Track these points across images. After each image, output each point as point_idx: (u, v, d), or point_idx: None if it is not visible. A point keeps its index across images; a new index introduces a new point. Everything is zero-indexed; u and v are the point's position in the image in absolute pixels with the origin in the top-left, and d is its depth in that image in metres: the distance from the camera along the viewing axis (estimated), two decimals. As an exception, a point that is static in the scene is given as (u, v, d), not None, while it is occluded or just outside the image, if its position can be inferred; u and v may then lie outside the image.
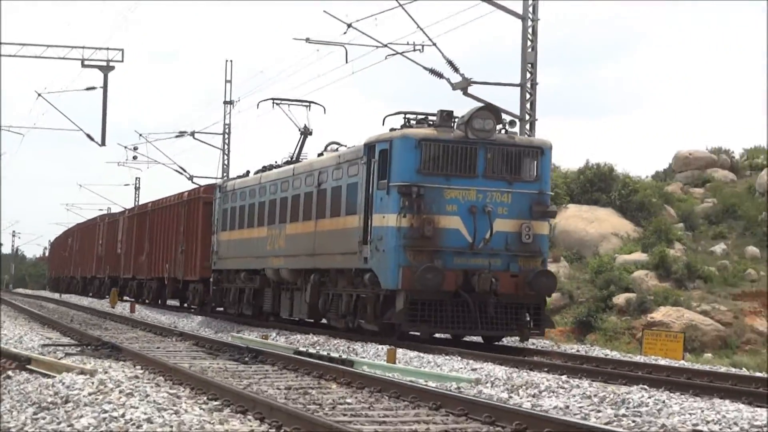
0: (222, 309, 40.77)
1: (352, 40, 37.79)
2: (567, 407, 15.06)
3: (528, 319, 26.06)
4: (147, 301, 53.24)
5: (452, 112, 26.28)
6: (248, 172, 38.89)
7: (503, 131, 26.37)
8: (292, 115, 37.63)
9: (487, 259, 25.48)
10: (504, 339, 28.20)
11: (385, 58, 36.51)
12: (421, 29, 32.79)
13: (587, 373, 19.22)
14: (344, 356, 22.39)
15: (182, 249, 45.38)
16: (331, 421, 12.42)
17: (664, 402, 15.16)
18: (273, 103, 37.99)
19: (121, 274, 59.91)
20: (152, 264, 51.92)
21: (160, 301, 51.69)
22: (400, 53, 35.14)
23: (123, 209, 72.11)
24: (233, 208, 38.79)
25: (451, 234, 25.35)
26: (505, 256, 25.77)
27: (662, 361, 24.05)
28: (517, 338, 27.23)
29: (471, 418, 13.68)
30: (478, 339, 28.04)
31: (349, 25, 35.13)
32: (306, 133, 37.23)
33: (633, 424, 13.46)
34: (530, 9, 34.19)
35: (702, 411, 14.25)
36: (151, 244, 52.33)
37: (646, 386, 17.15)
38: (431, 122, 26.54)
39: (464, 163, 25.64)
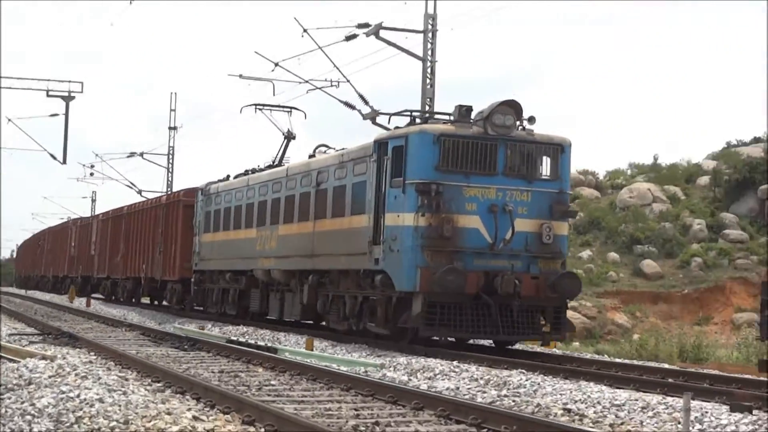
0: (202, 308, 36.24)
1: (279, 77, 37.66)
2: (458, 388, 15.06)
3: (543, 322, 21.96)
4: (121, 299, 50.45)
5: (471, 107, 22.17)
6: (228, 176, 34.76)
7: (521, 128, 21.94)
8: (275, 120, 33.92)
9: (507, 260, 21.21)
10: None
11: (307, 92, 36.26)
12: (337, 68, 32.59)
13: (474, 359, 19.20)
14: (269, 344, 22.25)
15: (160, 250, 42.02)
16: (257, 401, 12.30)
17: (539, 384, 15.22)
18: (255, 108, 34.11)
19: (94, 274, 57.60)
20: (128, 264, 48.77)
21: (134, 299, 48.70)
22: (319, 88, 34.96)
23: (79, 216, 71.09)
24: (217, 211, 34.15)
25: (470, 234, 21.10)
26: (525, 258, 21.49)
27: (538, 349, 24.09)
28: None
29: (377, 398, 13.61)
30: (481, 342, 24.27)
31: (276, 64, 34.93)
32: (290, 137, 33.20)
33: (513, 404, 13.46)
34: (429, 52, 34.42)
35: (571, 392, 14.33)
36: (127, 246, 49.26)
37: (524, 370, 17.22)
38: (444, 121, 22.51)
39: (484, 160, 21.39)
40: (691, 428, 11.21)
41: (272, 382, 15.54)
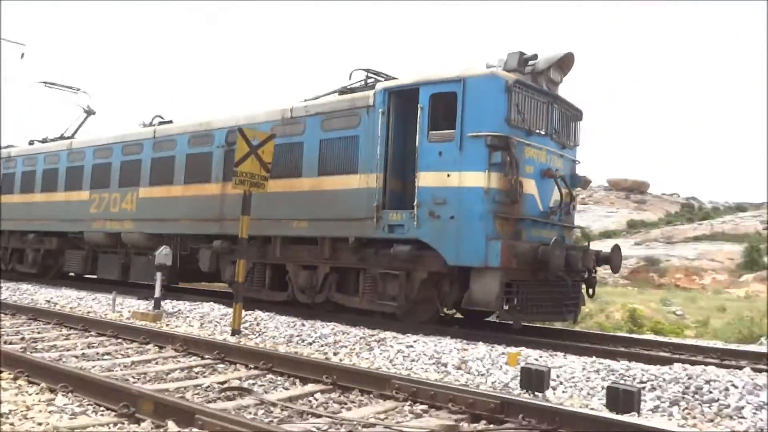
0: None
1: None
2: None
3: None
4: None
5: (536, 55, 17.48)
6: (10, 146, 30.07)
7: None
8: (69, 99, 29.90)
9: (553, 230, 17.18)
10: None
11: None
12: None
13: None
14: None
15: None
16: None
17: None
18: (45, 85, 29.95)
19: None
20: None
21: None
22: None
23: None
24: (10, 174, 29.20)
25: (529, 200, 16.71)
26: (559, 229, 17.50)
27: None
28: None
29: None
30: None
31: None
32: (89, 112, 29.55)
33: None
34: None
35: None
36: None
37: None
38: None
39: (542, 119, 17.29)
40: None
41: None
